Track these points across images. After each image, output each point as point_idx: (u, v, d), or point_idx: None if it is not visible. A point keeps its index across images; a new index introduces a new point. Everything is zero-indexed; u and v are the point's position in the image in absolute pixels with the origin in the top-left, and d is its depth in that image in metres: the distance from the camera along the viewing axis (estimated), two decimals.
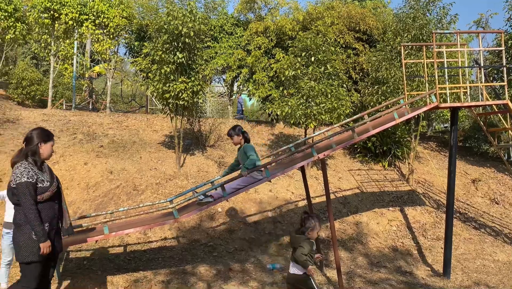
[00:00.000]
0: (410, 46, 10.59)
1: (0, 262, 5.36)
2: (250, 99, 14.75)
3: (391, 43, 11.24)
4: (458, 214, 9.59)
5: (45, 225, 3.69)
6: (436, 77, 6.84)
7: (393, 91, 10.28)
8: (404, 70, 7.94)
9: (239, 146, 5.87)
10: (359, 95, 11.66)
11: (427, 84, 7.69)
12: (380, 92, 10.47)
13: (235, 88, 14.61)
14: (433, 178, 11.11)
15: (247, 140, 5.84)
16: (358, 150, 11.48)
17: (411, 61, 9.52)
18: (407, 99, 7.55)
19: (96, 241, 6.36)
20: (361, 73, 12.89)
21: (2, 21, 11.90)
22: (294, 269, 4.25)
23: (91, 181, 8.02)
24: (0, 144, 8.54)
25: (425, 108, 6.86)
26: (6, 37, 12.24)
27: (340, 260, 6.22)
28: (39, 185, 3.71)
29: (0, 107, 11.13)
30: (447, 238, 6.98)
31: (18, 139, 8.93)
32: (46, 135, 3.94)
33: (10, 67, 16.01)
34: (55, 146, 8.92)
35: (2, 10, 11.85)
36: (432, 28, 10.86)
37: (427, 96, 7.20)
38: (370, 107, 10.41)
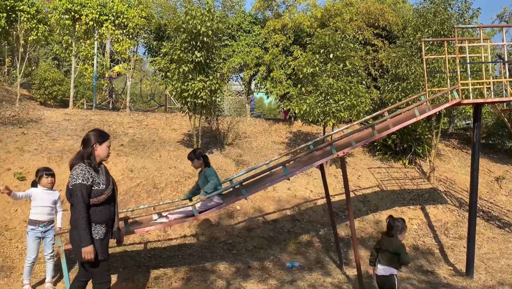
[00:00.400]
0: (431, 42, 10.39)
1: (24, 260, 5.50)
2: (267, 97, 14.73)
3: (411, 39, 11.05)
4: (481, 213, 9.39)
5: (102, 226, 3.73)
6: (458, 73, 6.69)
7: (413, 88, 10.11)
8: (425, 66, 7.79)
9: (200, 169, 5.77)
10: (378, 92, 11.53)
11: (448, 80, 7.53)
12: (400, 89, 10.32)
13: (252, 86, 14.61)
14: (455, 176, 10.90)
15: (207, 164, 5.74)
16: (378, 147, 11.35)
17: (432, 57, 9.35)
18: (428, 96, 7.42)
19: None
20: (380, 70, 12.73)
21: (25, 23, 12.16)
22: (383, 271, 4.53)
23: None
24: (24, 143, 8.74)
25: (446, 105, 6.73)
26: (29, 39, 12.51)
27: (360, 258, 6.15)
28: (95, 187, 3.71)
29: (23, 107, 11.40)
30: (470, 236, 6.83)
31: (41, 138, 9.13)
32: (101, 136, 3.90)
33: (33, 68, 16.37)
34: (77, 144, 9.10)
35: (25, 12, 12.10)
36: (453, 23, 10.64)
37: (449, 92, 7.05)
38: (390, 104, 10.27)
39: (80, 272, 4.05)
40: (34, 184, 5.45)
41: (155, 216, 5.62)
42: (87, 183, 3.65)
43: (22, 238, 6.69)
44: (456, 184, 10.57)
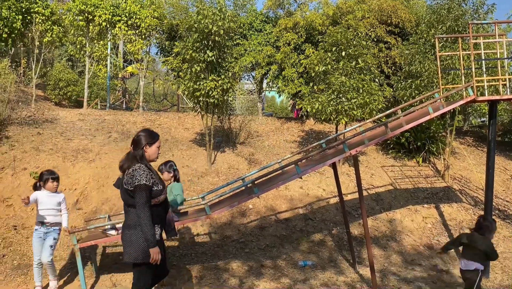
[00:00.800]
0: (444, 38, 10.26)
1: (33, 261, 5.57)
2: (279, 96, 14.70)
3: (425, 35, 10.92)
4: (497, 211, 9.25)
5: (158, 227, 3.72)
6: (473, 69, 6.60)
7: (427, 85, 10.00)
8: (438, 63, 7.70)
9: (168, 182, 5.65)
10: (391, 89, 11.42)
11: (463, 77, 7.42)
12: (413, 87, 10.21)
13: (264, 85, 14.61)
14: (470, 174, 10.75)
15: (176, 178, 5.63)
16: (391, 145, 11.25)
17: (446, 53, 9.21)
18: (442, 93, 7.33)
19: None
20: (393, 67, 12.61)
21: (39, 24, 12.34)
22: (468, 265, 4.88)
23: None
24: (40, 143, 8.88)
25: (461, 102, 6.64)
26: (44, 40, 12.69)
27: (373, 257, 6.12)
28: (155, 188, 3.71)
29: (39, 108, 11.58)
30: None
31: (56, 138, 9.26)
32: (151, 138, 3.86)
33: (48, 69, 16.60)
34: (92, 144, 9.23)
35: (40, 14, 12.28)
36: (468, 19, 10.48)
37: (464, 89, 6.96)
38: (403, 102, 10.17)
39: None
40: (37, 187, 5.49)
41: (107, 226, 5.61)
42: (149, 183, 3.63)
43: None
44: (471, 182, 10.43)
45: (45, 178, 5.44)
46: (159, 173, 5.60)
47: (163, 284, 5.79)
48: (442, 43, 10.30)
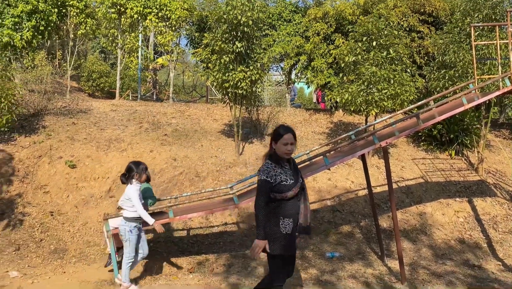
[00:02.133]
0: (481, 27, 9.89)
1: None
2: (308, 87, 14.59)
3: (460, 24, 10.56)
4: None
5: (290, 220, 3.77)
6: (511, 59, 6.35)
7: (461, 76, 9.69)
8: (474, 53, 7.44)
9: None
10: (424, 80, 11.15)
11: (500, 67, 7.16)
12: (447, 77, 9.92)
13: (293, 76, 14.53)
14: (505, 167, 10.39)
15: (148, 180, 5.61)
16: (423, 138, 11.00)
17: (482, 42, 8.91)
18: (477, 84, 7.10)
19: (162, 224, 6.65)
20: (426, 58, 12.27)
21: (74, 17, 12.68)
22: None
23: (156, 168, 8.40)
24: (74, 133, 9.18)
25: (497, 93, 6.41)
26: (78, 33, 13.06)
27: (403, 251, 6.05)
28: (283, 182, 3.73)
29: (73, 99, 11.94)
30: None
31: (90, 128, 9.55)
32: (277, 135, 3.88)
33: (82, 61, 17.07)
34: (124, 133, 9.46)
35: (74, 7, 12.62)
36: (506, 7, 10.06)
37: (500, 80, 6.71)
38: (436, 93, 9.90)
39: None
40: (127, 179, 5.22)
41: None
42: (270, 180, 3.70)
43: (73, 222, 7.09)
44: (506, 176, 10.08)
45: (143, 168, 5.25)
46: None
47: (191, 271, 5.93)
48: (478, 32, 9.94)
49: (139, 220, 5.21)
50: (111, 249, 5.46)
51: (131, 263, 5.21)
